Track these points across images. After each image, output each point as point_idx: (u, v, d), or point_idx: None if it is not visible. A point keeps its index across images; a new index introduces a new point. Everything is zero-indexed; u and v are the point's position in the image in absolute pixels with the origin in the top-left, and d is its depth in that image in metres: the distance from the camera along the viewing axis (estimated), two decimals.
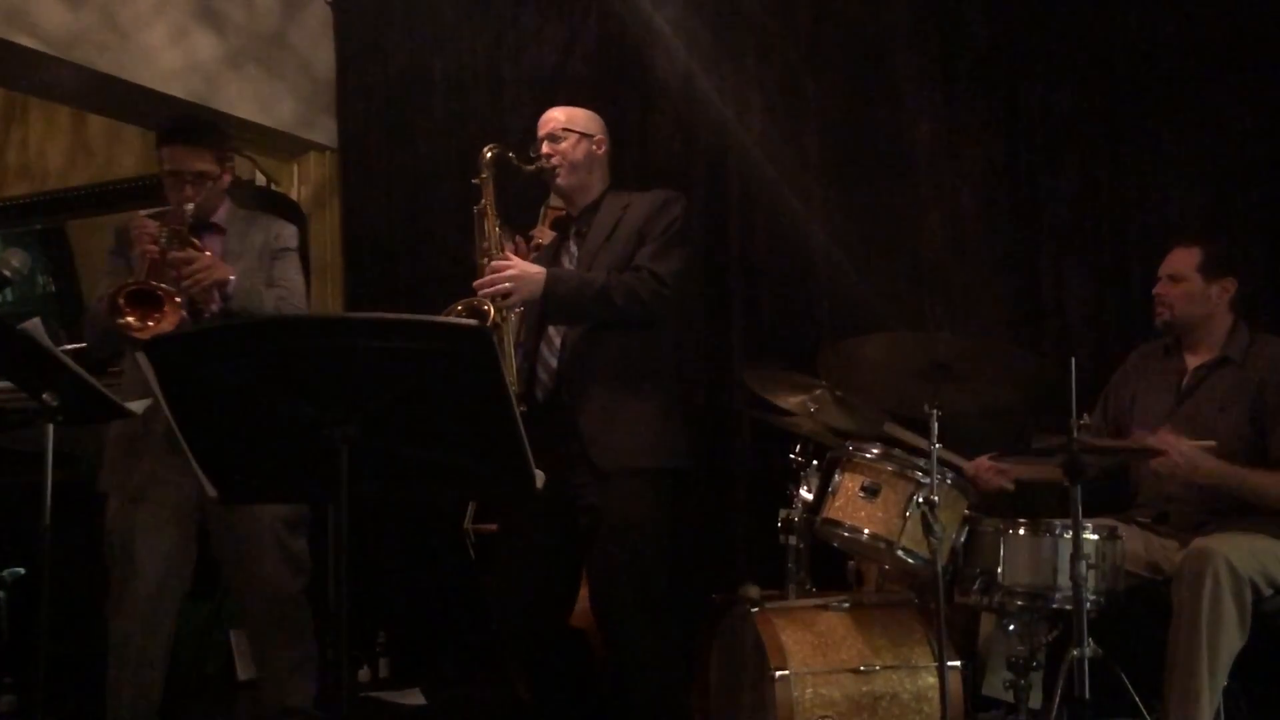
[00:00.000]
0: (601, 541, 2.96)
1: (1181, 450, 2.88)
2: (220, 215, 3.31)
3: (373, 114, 4.99)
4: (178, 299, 2.98)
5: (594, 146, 3.18)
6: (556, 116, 3.19)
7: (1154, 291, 3.21)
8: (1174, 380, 3.19)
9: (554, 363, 3.04)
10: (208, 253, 3.10)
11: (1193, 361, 3.18)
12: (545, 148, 3.15)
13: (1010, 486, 3.19)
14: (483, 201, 3.08)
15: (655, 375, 3.07)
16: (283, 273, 3.29)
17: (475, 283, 2.99)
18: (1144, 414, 3.20)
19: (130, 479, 3.14)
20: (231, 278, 3.08)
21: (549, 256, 3.22)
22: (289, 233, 3.37)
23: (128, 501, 3.14)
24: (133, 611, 3.11)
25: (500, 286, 2.92)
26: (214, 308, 3.08)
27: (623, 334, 3.02)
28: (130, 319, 2.94)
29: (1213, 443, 2.92)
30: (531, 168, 3.12)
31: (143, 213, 3.12)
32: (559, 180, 3.15)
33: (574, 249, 3.18)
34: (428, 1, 4.85)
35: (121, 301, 2.95)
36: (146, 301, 2.97)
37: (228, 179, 3.33)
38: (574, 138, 3.14)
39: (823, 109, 4.17)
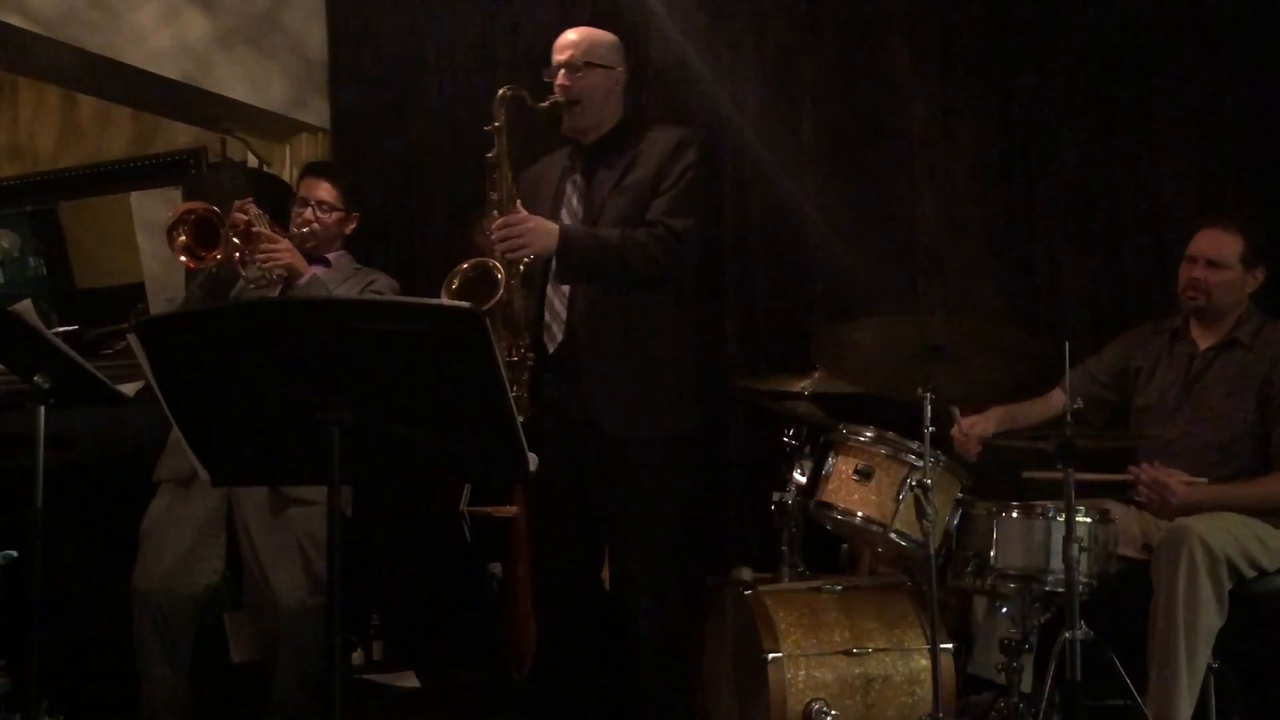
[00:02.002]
0: (615, 511, 2.91)
1: (1171, 489, 2.92)
2: (334, 256, 3.47)
3: (365, 95, 4.96)
4: (235, 251, 3.12)
5: (614, 81, 3.00)
6: (575, 42, 2.98)
7: (1191, 275, 3.14)
8: (1183, 363, 3.19)
9: (564, 313, 2.93)
10: (294, 249, 3.21)
11: (1202, 343, 3.18)
12: (561, 78, 2.95)
13: (977, 448, 3.19)
14: (494, 150, 2.90)
15: (666, 334, 2.96)
16: None
17: (493, 237, 2.85)
18: (1152, 397, 3.20)
19: (184, 464, 3.11)
20: (306, 273, 3.18)
21: (552, 184, 3.06)
22: (385, 283, 3.47)
23: (178, 485, 3.18)
24: (156, 572, 3.13)
25: (512, 240, 2.82)
26: (273, 291, 3.18)
27: (631, 290, 2.91)
28: (182, 239, 3.08)
29: (1204, 480, 2.95)
30: (545, 104, 2.93)
31: (265, 216, 3.27)
32: (572, 119, 2.97)
33: (580, 183, 3.02)
34: None
35: (190, 218, 3.08)
36: (205, 237, 3.10)
37: (351, 225, 3.50)
38: (596, 71, 2.95)
39: (817, 90, 4.15)
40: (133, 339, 1.88)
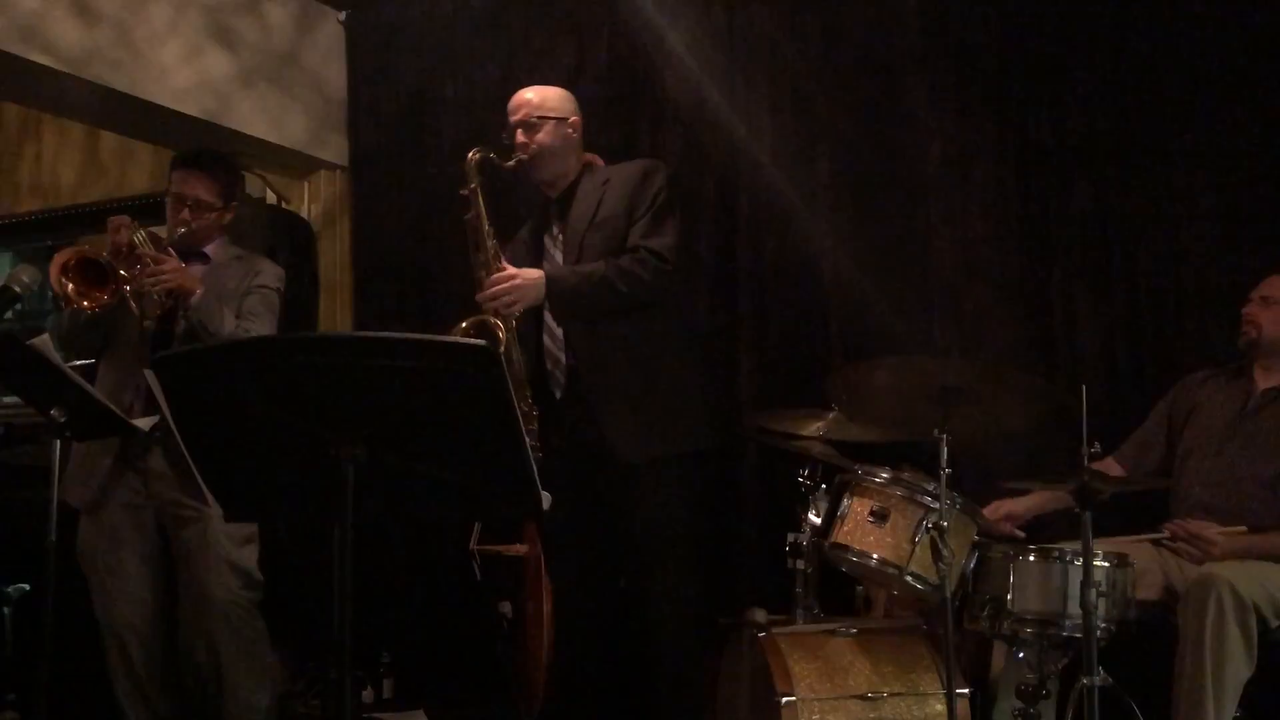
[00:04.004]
0: (632, 534, 2.95)
1: (1211, 541, 2.89)
2: (211, 248, 3.37)
3: (384, 133, 5.00)
4: (126, 286, 3.03)
5: (569, 129, 3.12)
6: (529, 100, 3.11)
7: (1244, 311, 3.20)
8: (1240, 399, 3.18)
9: (563, 357, 3.00)
10: (181, 265, 3.14)
11: (1264, 383, 3.17)
12: (520, 135, 3.07)
13: (1020, 535, 3.20)
14: (471, 210, 3.02)
15: (666, 355, 3.02)
16: (251, 307, 3.30)
17: (478, 296, 2.96)
18: (1201, 429, 3.19)
19: (87, 490, 3.18)
20: (198, 291, 3.12)
21: (531, 243, 3.16)
22: (270, 273, 3.39)
23: (86, 513, 3.19)
24: (118, 617, 3.17)
25: (503, 299, 2.91)
26: (157, 313, 3.13)
27: (626, 318, 2.97)
28: (70, 287, 2.99)
29: (1243, 528, 2.91)
30: (511, 163, 3.05)
31: (141, 229, 3.18)
32: (536, 172, 3.09)
33: (557, 233, 3.12)
34: (440, 21, 4.87)
35: (71, 265, 2.99)
36: (93, 277, 3.02)
37: (227, 217, 3.39)
38: (549, 124, 3.08)
39: (833, 130, 4.17)
40: (149, 374, 1.89)
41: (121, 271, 3.03)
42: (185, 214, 3.27)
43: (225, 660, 3.20)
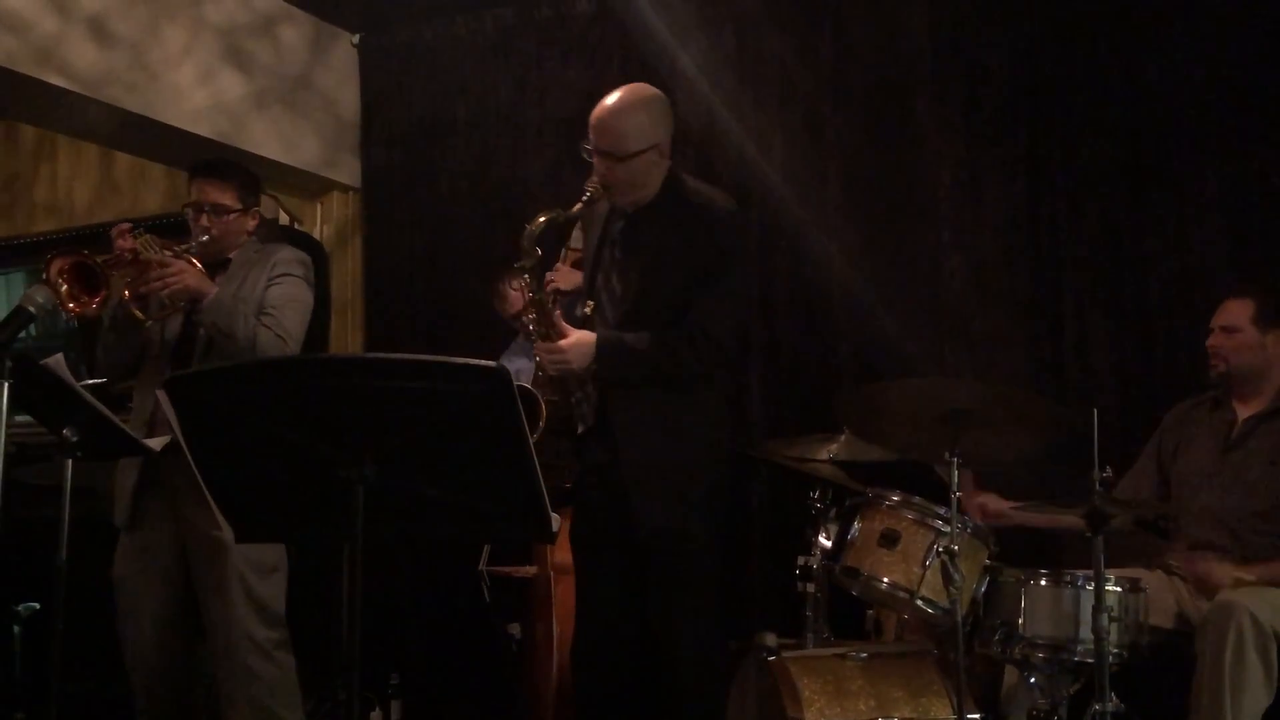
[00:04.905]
0: (660, 593, 2.85)
1: (1218, 580, 2.87)
2: (235, 253, 3.27)
3: (396, 155, 5.03)
4: (127, 293, 2.96)
5: (657, 155, 2.80)
6: (620, 130, 2.74)
7: (1208, 344, 3.18)
8: (1223, 431, 3.16)
9: (595, 395, 2.87)
10: (190, 266, 3.04)
11: (1244, 412, 3.15)
12: (600, 165, 2.76)
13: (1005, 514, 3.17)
14: (529, 289, 2.78)
15: (704, 429, 2.87)
16: (273, 299, 3.18)
17: (537, 355, 2.84)
18: (1188, 466, 3.17)
19: (123, 508, 3.14)
20: (210, 291, 3.02)
21: (594, 257, 2.95)
22: (288, 259, 3.26)
23: (124, 531, 3.14)
24: (140, 647, 3.09)
25: (557, 367, 2.80)
26: (160, 315, 3.04)
27: (673, 387, 2.84)
28: (65, 289, 2.89)
29: (1252, 576, 2.88)
30: (578, 206, 2.77)
31: (146, 235, 3.10)
32: (613, 198, 2.83)
33: (620, 258, 2.89)
34: (453, 44, 4.90)
35: (65, 267, 2.89)
36: (87, 282, 2.92)
37: (250, 222, 3.30)
38: (638, 160, 2.76)
39: (845, 153, 4.18)
40: (161, 395, 1.89)
41: (105, 266, 2.93)
42: (204, 220, 3.18)
43: (230, 709, 3.07)
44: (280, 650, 3.11)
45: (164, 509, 3.11)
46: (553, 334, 2.80)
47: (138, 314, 3.04)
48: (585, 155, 2.81)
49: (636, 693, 3.01)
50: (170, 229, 4.92)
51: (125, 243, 3.01)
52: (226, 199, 3.21)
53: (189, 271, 3.02)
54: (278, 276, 3.21)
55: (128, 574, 3.13)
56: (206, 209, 3.19)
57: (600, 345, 2.79)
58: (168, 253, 3.07)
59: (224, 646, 3.05)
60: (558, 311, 2.87)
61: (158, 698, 3.12)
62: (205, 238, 3.17)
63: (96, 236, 5.42)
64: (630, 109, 2.78)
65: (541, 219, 2.73)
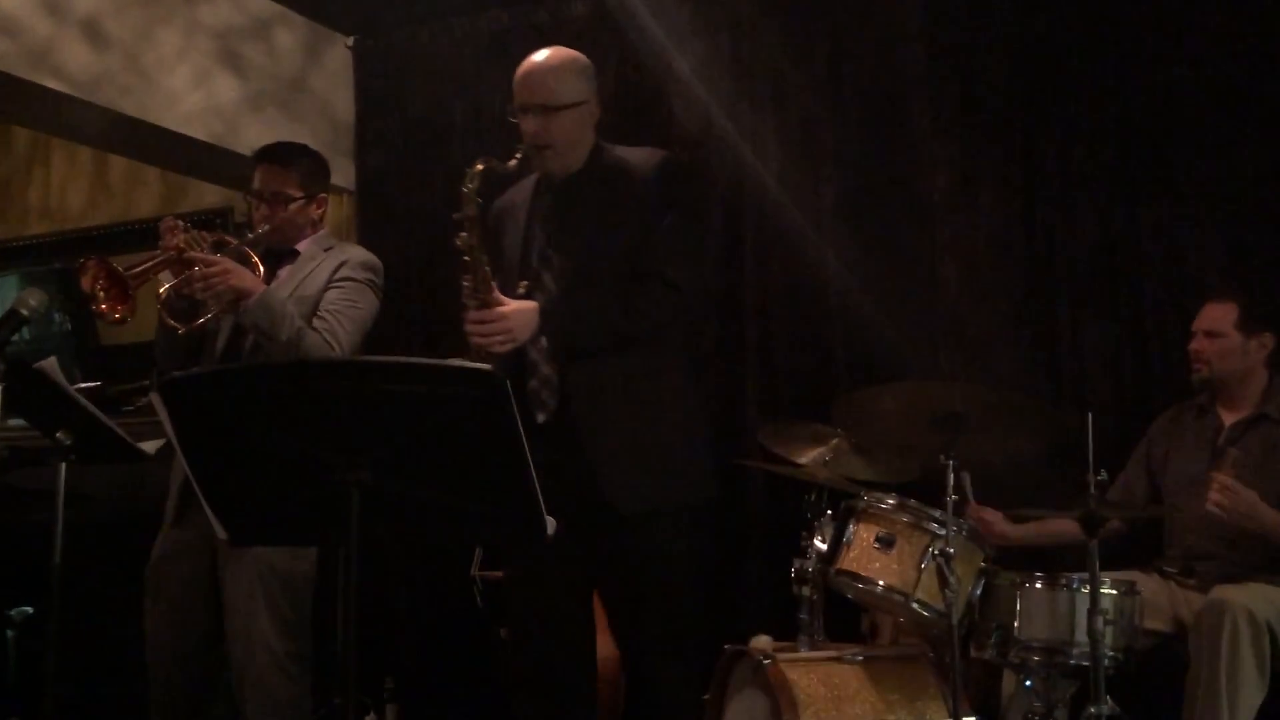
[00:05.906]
0: (629, 590, 2.64)
1: (1239, 492, 2.82)
2: (304, 244, 3.12)
3: (391, 158, 5.02)
4: (175, 291, 2.85)
5: (588, 114, 2.67)
6: (546, 85, 2.62)
7: (1190, 348, 3.18)
8: (1209, 437, 3.16)
9: (556, 378, 2.61)
10: (235, 266, 2.89)
11: (1229, 418, 3.15)
12: (532, 124, 2.61)
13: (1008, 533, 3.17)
14: (466, 234, 2.55)
15: (674, 398, 2.67)
16: (330, 302, 3.01)
17: (466, 327, 2.56)
18: (1178, 473, 3.17)
19: (170, 503, 3.03)
20: (257, 290, 2.86)
21: (521, 233, 2.71)
22: (355, 261, 3.09)
23: (169, 525, 3.01)
24: (163, 647, 2.99)
25: (494, 338, 2.52)
26: (202, 317, 2.89)
27: (638, 352, 2.61)
28: (102, 298, 2.81)
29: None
30: (513, 162, 2.59)
31: (193, 231, 2.96)
32: (545, 162, 2.65)
33: (554, 230, 2.69)
34: (448, 47, 4.90)
35: (102, 277, 2.80)
36: (117, 288, 2.83)
37: (316, 211, 3.15)
38: (570, 113, 2.62)
39: (839, 155, 4.18)
40: (155, 398, 1.89)
41: (132, 276, 2.82)
42: (264, 209, 3.04)
43: (241, 716, 2.97)
44: (295, 664, 2.99)
45: (202, 510, 3.04)
46: (490, 300, 2.54)
47: (170, 322, 2.91)
48: (511, 117, 2.66)
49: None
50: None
51: (173, 239, 2.87)
52: (289, 187, 3.07)
53: (234, 271, 2.85)
54: (341, 280, 3.04)
55: (160, 568, 3.01)
56: (266, 197, 3.06)
57: (544, 311, 2.55)
58: (228, 243, 2.94)
59: (241, 654, 2.96)
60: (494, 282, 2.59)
61: (171, 699, 3.02)
62: (265, 227, 3.03)
63: (90, 240, 5.45)
64: (561, 63, 2.68)
65: (479, 165, 2.58)
